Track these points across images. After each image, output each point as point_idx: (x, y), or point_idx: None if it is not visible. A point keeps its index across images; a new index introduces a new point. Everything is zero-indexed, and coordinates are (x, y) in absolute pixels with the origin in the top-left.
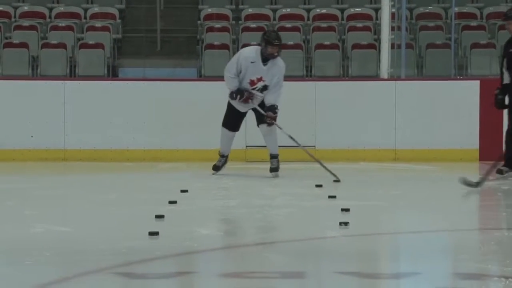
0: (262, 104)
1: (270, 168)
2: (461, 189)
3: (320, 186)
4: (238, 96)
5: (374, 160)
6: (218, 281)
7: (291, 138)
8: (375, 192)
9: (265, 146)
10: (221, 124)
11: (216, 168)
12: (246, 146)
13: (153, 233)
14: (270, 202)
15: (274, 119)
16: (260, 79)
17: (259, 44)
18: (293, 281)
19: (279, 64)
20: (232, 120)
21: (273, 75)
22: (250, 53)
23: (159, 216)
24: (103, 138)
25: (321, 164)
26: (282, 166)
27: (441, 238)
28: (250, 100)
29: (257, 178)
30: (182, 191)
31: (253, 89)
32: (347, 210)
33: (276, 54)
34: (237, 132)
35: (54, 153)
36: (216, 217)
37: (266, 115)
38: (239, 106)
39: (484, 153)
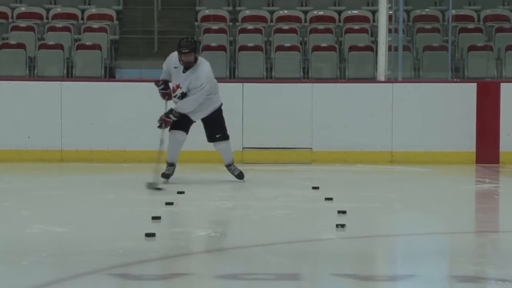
0: (208, 117)
1: (236, 176)
2: (458, 191)
3: (317, 188)
4: (159, 86)
5: (370, 163)
6: (215, 283)
7: (161, 142)
8: (372, 194)
9: (262, 148)
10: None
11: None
12: (243, 148)
13: (149, 235)
14: (266, 203)
15: (165, 122)
16: (178, 87)
17: None
18: (289, 283)
19: (198, 72)
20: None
21: (191, 82)
22: (174, 58)
23: (156, 218)
24: (99, 139)
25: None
26: (279, 167)
27: (437, 240)
28: (167, 97)
29: (253, 179)
30: (179, 192)
31: (174, 96)
32: (344, 212)
33: (191, 61)
34: (186, 137)
35: (50, 154)
36: (213, 218)
37: (160, 116)
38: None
39: (481, 156)
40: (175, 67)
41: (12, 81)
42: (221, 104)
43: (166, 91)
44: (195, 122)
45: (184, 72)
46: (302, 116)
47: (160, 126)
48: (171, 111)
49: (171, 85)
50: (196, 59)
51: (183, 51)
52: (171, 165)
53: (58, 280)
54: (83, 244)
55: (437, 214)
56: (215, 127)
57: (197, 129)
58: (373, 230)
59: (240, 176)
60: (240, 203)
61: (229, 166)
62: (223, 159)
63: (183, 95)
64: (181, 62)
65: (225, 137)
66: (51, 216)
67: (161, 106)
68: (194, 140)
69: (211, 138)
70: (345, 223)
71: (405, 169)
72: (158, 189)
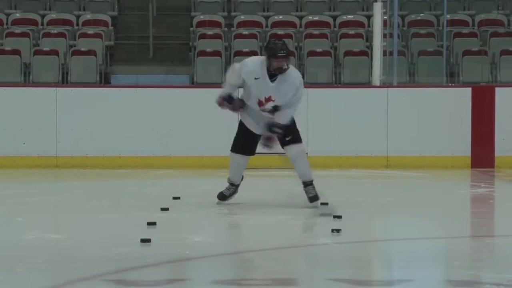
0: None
1: (308, 198)
2: (453, 196)
3: None
4: (225, 102)
5: (366, 167)
6: None
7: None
8: (367, 199)
9: (258, 154)
10: (230, 149)
11: (223, 197)
12: None
13: (145, 240)
14: (262, 209)
15: (270, 140)
16: (269, 99)
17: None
18: None
19: (290, 79)
20: (244, 143)
21: (285, 93)
22: (254, 67)
23: (151, 223)
24: (95, 145)
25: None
26: (274, 173)
27: (433, 245)
28: (240, 109)
29: (249, 185)
30: (174, 198)
31: (263, 111)
32: (339, 217)
33: (285, 67)
34: (250, 158)
35: (46, 160)
36: (208, 224)
37: (262, 134)
38: (252, 126)
39: (476, 160)
40: (255, 78)
41: (7, 87)
42: None
43: (235, 105)
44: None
45: (272, 81)
46: (297, 121)
47: (267, 146)
48: (273, 124)
49: (256, 97)
50: (288, 65)
51: (281, 54)
52: (232, 185)
53: (53, 287)
54: (79, 250)
55: (432, 219)
56: (285, 130)
57: (191, 135)
58: (368, 234)
59: (313, 198)
60: (236, 208)
61: (307, 186)
62: (297, 174)
63: (275, 109)
64: (271, 69)
65: (296, 139)
66: (47, 222)
67: (157, 112)
68: (191, 146)
69: (281, 142)
70: (340, 228)
71: (401, 174)
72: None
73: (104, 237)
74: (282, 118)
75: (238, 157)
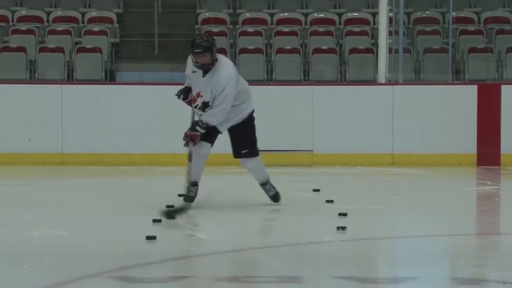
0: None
1: (270, 197)
2: (459, 193)
3: (318, 190)
4: (181, 96)
5: (371, 165)
6: (215, 286)
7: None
8: (373, 196)
9: (263, 151)
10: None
11: (191, 199)
12: None
13: (150, 237)
14: (266, 206)
15: (191, 138)
16: (199, 94)
17: None
18: (290, 285)
19: (218, 75)
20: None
21: (212, 89)
22: (191, 60)
23: (157, 220)
24: (100, 142)
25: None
26: (280, 170)
27: (438, 242)
28: (193, 104)
29: (253, 182)
30: (180, 195)
31: (195, 107)
32: (345, 214)
33: (207, 63)
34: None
35: (51, 157)
36: (213, 221)
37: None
38: None
39: (482, 158)
40: (193, 71)
41: (12, 84)
42: (253, 110)
43: (189, 99)
44: (221, 133)
45: (204, 76)
46: (302, 118)
47: (186, 144)
48: (196, 123)
49: (193, 92)
50: (213, 60)
51: (196, 50)
52: (194, 184)
53: (59, 284)
54: (84, 247)
55: (438, 216)
56: (242, 140)
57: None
58: (374, 232)
59: (275, 198)
60: (240, 206)
61: (264, 185)
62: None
63: (205, 105)
64: (196, 65)
65: (252, 153)
66: (52, 220)
67: (162, 109)
68: None
69: (236, 153)
70: (346, 225)
71: (406, 171)
72: (172, 217)
73: (109, 234)
74: (209, 119)
75: (199, 146)
